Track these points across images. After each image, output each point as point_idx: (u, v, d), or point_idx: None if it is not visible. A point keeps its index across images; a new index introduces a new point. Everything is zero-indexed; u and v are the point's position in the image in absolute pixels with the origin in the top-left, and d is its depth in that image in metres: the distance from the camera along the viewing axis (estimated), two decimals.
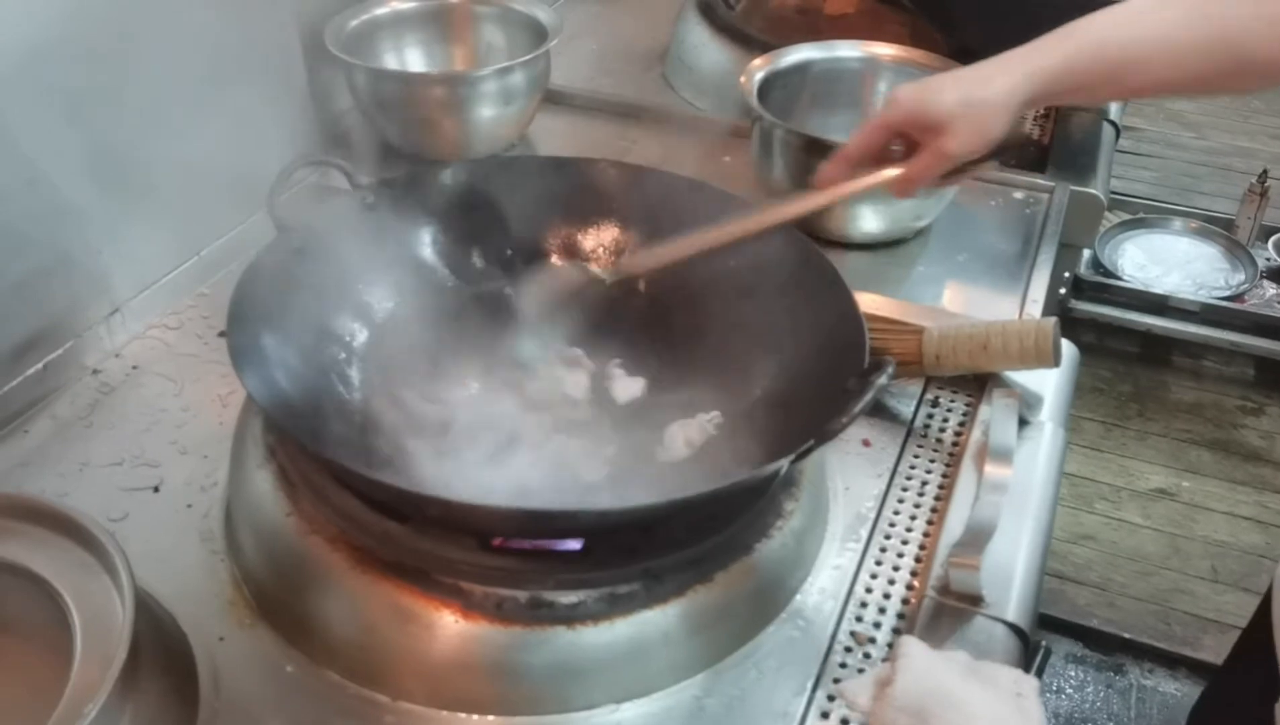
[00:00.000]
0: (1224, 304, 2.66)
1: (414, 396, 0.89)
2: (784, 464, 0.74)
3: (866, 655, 0.78)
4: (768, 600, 0.81)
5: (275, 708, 0.74)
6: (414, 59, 1.42)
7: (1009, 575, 0.83)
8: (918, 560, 0.86)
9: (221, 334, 0.78)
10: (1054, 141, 1.46)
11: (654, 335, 0.95)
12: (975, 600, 0.81)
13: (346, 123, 1.41)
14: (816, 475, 0.87)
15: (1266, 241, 2.84)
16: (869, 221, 1.20)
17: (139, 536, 0.83)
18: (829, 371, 0.80)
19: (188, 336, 1.07)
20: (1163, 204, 3.07)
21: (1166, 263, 2.82)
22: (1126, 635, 2.13)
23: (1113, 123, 1.51)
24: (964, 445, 0.95)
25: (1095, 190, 1.35)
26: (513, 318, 0.95)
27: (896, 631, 0.80)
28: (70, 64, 0.93)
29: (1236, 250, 2.83)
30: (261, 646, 0.78)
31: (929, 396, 1.01)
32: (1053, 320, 0.93)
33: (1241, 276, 2.76)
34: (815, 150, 1.17)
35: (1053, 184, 1.34)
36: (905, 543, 0.87)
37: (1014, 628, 0.80)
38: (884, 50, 1.32)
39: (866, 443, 0.96)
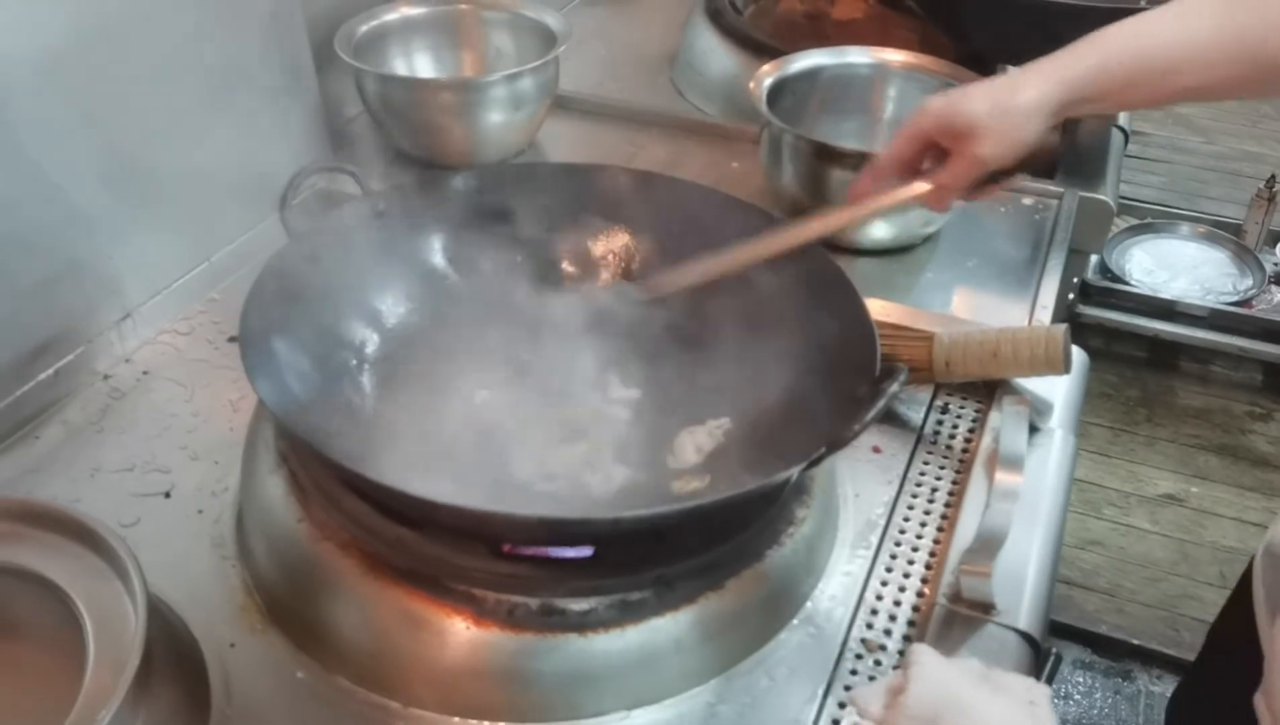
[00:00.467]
0: (1232, 309, 2.66)
1: (425, 402, 0.89)
2: (796, 471, 0.74)
3: (877, 663, 0.78)
4: (779, 607, 0.80)
5: (286, 714, 0.74)
6: (423, 64, 1.42)
7: (1020, 582, 0.83)
8: (928, 567, 0.86)
9: (232, 339, 0.78)
10: (1063, 147, 1.45)
11: (664, 342, 0.95)
12: (987, 608, 0.80)
13: (356, 128, 1.42)
14: (827, 482, 0.87)
15: (1275, 247, 2.84)
16: (878, 228, 1.20)
17: (150, 542, 0.83)
18: (840, 378, 0.80)
19: (198, 342, 1.07)
20: (1171, 209, 3.07)
21: (1174, 268, 2.82)
22: (1135, 641, 2.12)
23: (1121, 128, 1.51)
24: (974, 452, 0.95)
25: (1104, 196, 1.34)
26: (525, 323, 0.95)
27: (907, 639, 0.80)
28: (81, 72, 0.93)
29: (1245, 255, 2.82)
30: (273, 652, 0.78)
31: (939, 403, 1.01)
32: (1063, 327, 0.93)
33: (1250, 282, 2.75)
34: (825, 156, 1.17)
35: (1062, 190, 1.34)
36: (916, 550, 0.87)
37: (1026, 635, 0.80)
38: (893, 56, 1.32)
39: (877, 449, 0.96)
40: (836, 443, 0.73)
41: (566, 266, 1.03)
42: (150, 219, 1.03)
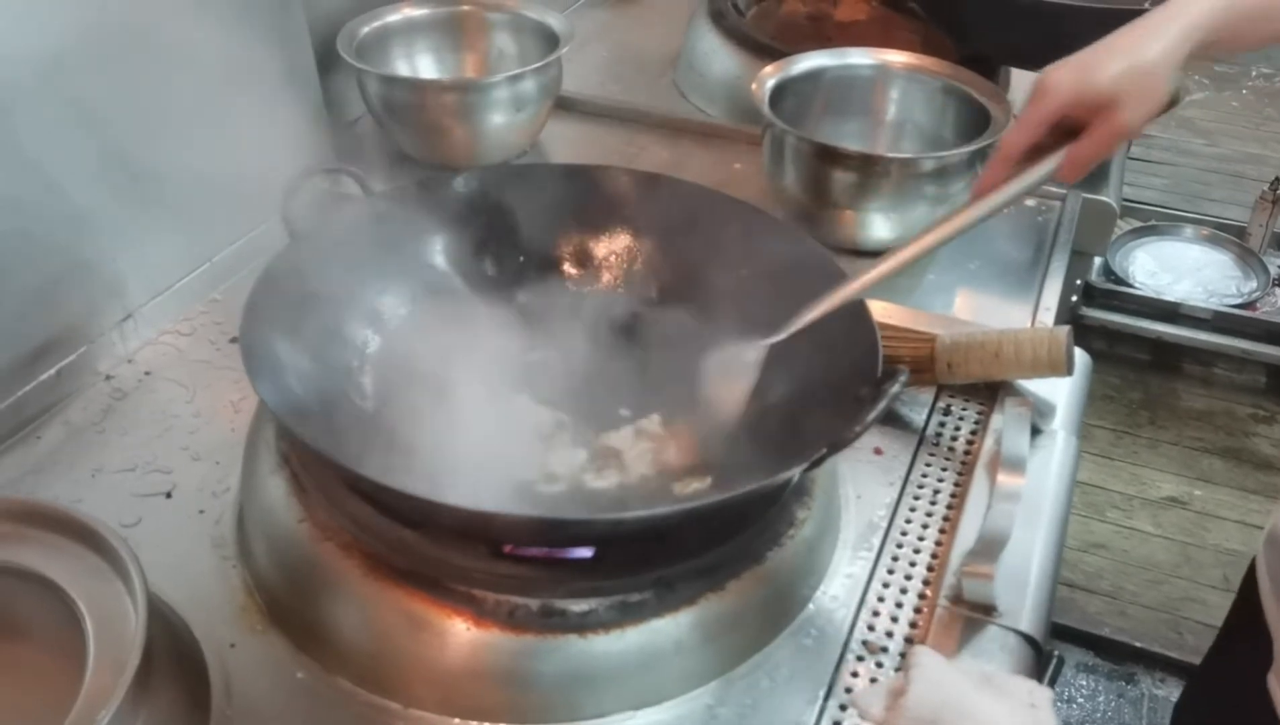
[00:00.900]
0: (1236, 311, 2.65)
1: (426, 403, 0.89)
2: (796, 472, 0.74)
3: (879, 664, 0.78)
4: (780, 609, 0.80)
5: (287, 714, 0.74)
6: (426, 66, 1.43)
7: (1022, 585, 0.83)
8: (930, 569, 0.85)
9: (234, 340, 0.78)
10: None
11: (666, 343, 0.95)
12: (988, 610, 0.80)
13: (359, 130, 1.42)
14: (828, 483, 0.87)
15: (1278, 249, 2.83)
16: (881, 229, 1.20)
17: (151, 542, 0.83)
18: (841, 379, 0.80)
19: (200, 342, 1.07)
20: (1174, 211, 3.06)
21: (1178, 270, 2.81)
22: (1138, 644, 2.12)
23: None
24: (976, 454, 0.95)
25: (1107, 198, 1.34)
26: (526, 324, 0.95)
27: (909, 641, 0.80)
28: (84, 73, 0.93)
29: (1248, 257, 2.82)
30: (273, 653, 0.78)
31: (941, 405, 1.01)
32: (1065, 329, 0.93)
33: (1253, 284, 2.75)
34: (827, 157, 1.17)
35: (1065, 192, 1.33)
36: (917, 551, 0.87)
37: (1027, 638, 0.79)
38: (895, 57, 1.32)
39: (878, 451, 0.96)
40: (837, 444, 0.72)
41: (569, 267, 1.03)
42: (152, 220, 1.03)
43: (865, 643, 0.80)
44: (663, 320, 0.97)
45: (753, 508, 0.78)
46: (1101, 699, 2.05)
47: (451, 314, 0.95)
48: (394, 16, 1.38)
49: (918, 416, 0.99)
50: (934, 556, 0.86)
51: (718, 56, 1.54)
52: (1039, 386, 0.97)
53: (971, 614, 0.80)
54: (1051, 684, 0.78)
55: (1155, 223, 2.95)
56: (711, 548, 0.76)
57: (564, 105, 1.46)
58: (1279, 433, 2.62)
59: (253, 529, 0.84)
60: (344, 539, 0.76)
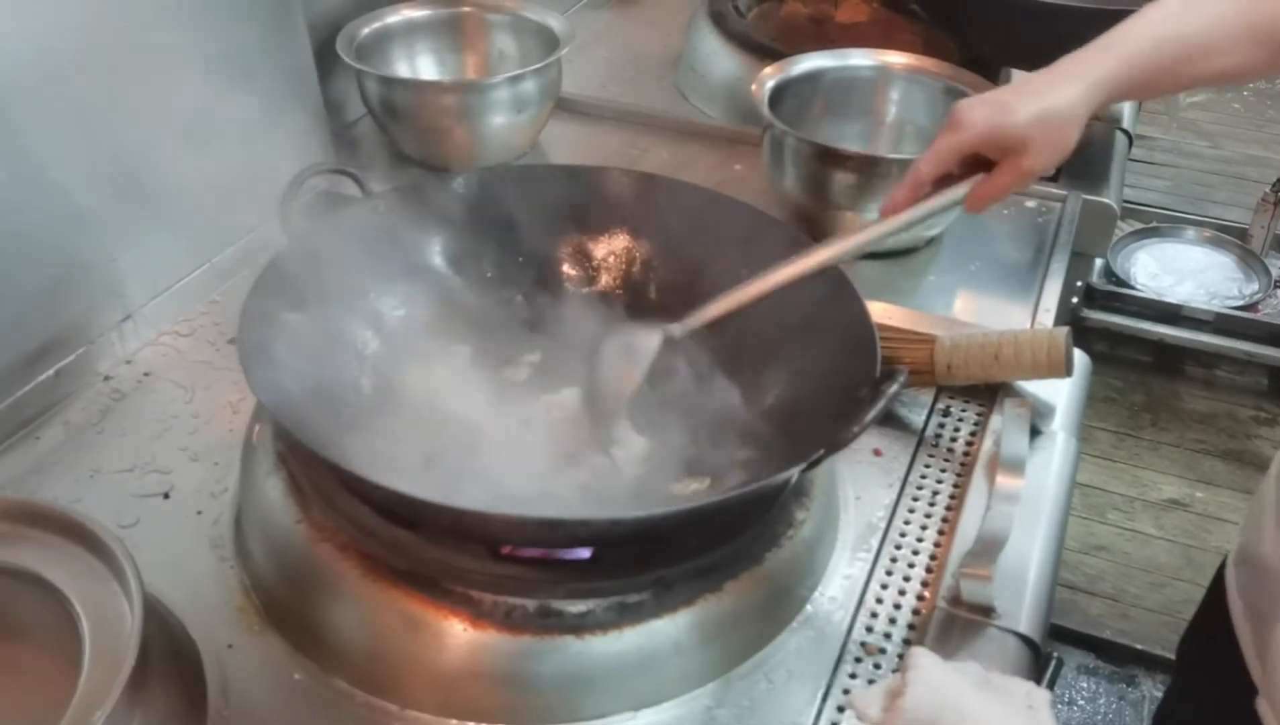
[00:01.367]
0: (1237, 313, 2.65)
1: (424, 404, 0.89)
2: (795, 473, 0.73)
3: (877, 666, 0.78)
4: (778, 610, 0.80)
5: (283, 715, 0.74)
6: (426, 67, 1.43)
7: (1021, 586, 0.83)
8: (929, 570, 0.85)
9: (233, 341, 0.78)
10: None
11: (666, 343, 0.95)
12: (987, 611, 0.80)
13: (358, 131, 1.42)
14: (827, 484, 0.87)
15: None
16: None
17: (149, 543, 0.83)
18: (841, 380, 0.80)
19: (199, 343, 1.07)
20: (1176, 213, 3.06)
21: (1179, 272, 2.81)
22: (1139, 647, 2.11)
23: (1125, 131, 1.51)
24: (975, 455, 0.95)
25: (1108, 199, 1.34)
26: (524, 325, 0.95)
27: (907, 642, 0.80)
28: (84, 73, 0.93)
29: (1250, 259, 2.82)
30: (270, 654, 0.78)
31: (940, 406, 1.01)
32: (1065, 330, 0.93)
33: (1255, 286, 2.74)
34: (827, 159, 1.17)
35: (1065, 193, 1.33)
36: (916, 553, 0.87)
37: (1026, 639, 0.79)
38: (896, 59, 1.32)
39: (878, 452, 0.96)
40: (836, 444, 0.72)
41: (568, 269, 1.03)
42: (152, 220, 1.03)
43: (863, 644, 0.80)
44: (662, 320, 0.97)
45: (751, 508, 0.78)
46: (1102, 701, 2.05)
47: (450, 315, 0.95)
48: (394, 18, 1.38)
49: (917, 417, 0.99)
50: (933, 558, 0.86)
51: (718, 58, 1.54)
52: (1039, 388, 0.97)
53: (970, 615, 0.80)
54: (1051, 686, 0.78)
55: (1156, 224, 2.95)
56: (710, 548, 0.76)
57: (564, 106, 1.46)
58: None
59: (250, 530, 0.83)
60: (341, 540, 0.76)
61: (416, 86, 1.34)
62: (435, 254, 0.99)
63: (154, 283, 1.07)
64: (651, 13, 1.87)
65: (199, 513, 0.88)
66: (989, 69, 1.35)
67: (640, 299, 0.99)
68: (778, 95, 1.25)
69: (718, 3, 1.61)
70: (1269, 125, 3.71)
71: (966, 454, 0.96)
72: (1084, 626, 2.15)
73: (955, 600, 0.81)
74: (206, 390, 1.01)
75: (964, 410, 1.00)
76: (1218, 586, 1.02)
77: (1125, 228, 2.90)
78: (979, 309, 1.17)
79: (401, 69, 1.39)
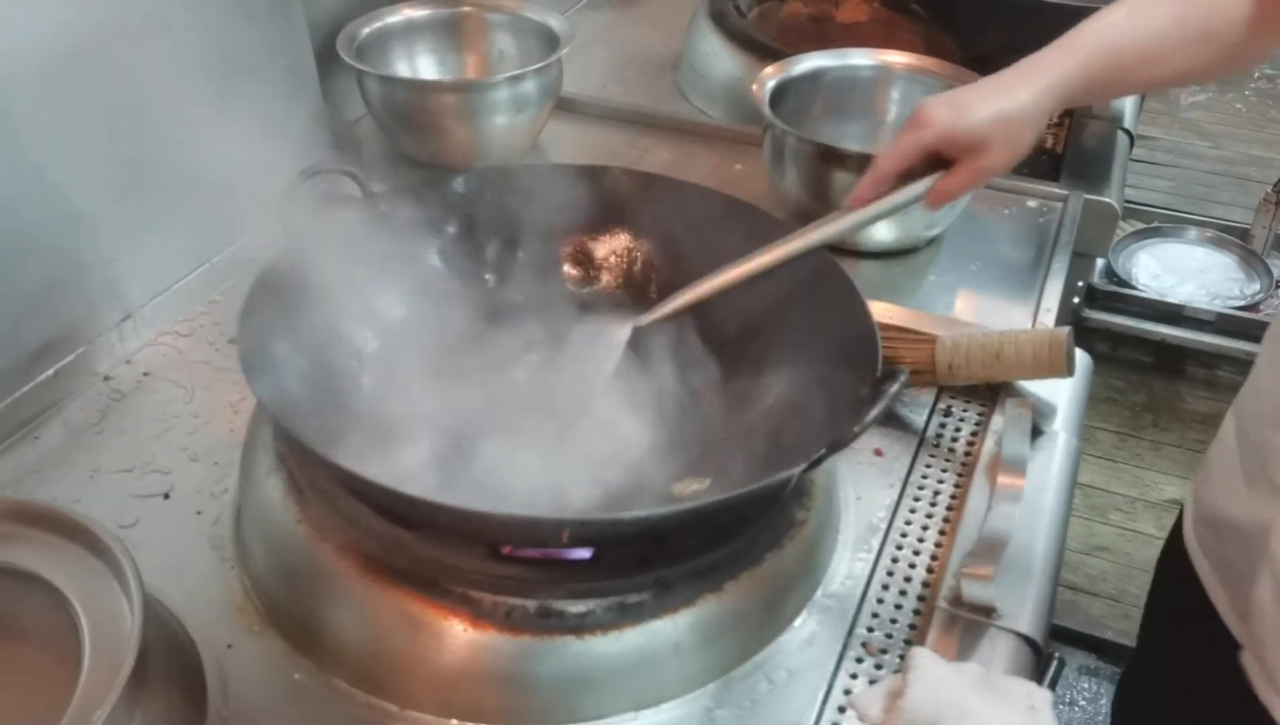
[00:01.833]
0: (1239, 314, 2.64)
1: (424, 404, 0.88)
2: (795, 473, 0.73)
3: (878, 666, 0.78)
4: (778, 610, 0.80)
5: (283, 715, 0.74)
6: (426, 66, 1.43)
7: (1022, 586, 0.83)
8: (930, 571, 0.85)
9: (233, 341, 0.78)
10: (1067, 150, 1.45)
11: (665, 343, 0.95)
12: (988, 611, 0.80)
13: (358, 130, 1.42)
14: (828, 485, 0.86)
15: None
16: (881, 230, 1.20)
17: (149, 543, 0.83)
18: (841, 380, 0.79)
19: (199, 343, 1.07)
20: (1178, 213, 3.06)
21: (1181, 272, 2.81)
22: None
23: (1127, 131, 1.50)
24: (976, 455, 0.95)
25: (1109, 199, 1.34)
26: (525, 325, 0.95)
27: (908, 643, 0.79)
28: (84, 72, 0.93)
29: (1251, 260, 2.81)
30: (270, 654, 0.78)
31: (941, 406, 1.00)
32: (1066, 330, 0.93)
33: (1257, 286, 2.74)
34: (828, 158, 1.17)
35: (1066, 193, 1.33)
36: (917, 553, 0.87)
37: (1027, 639, 0.79)
38: (897, 58, 1.31)
39: (879, 452, 0.95)
40: (836, 444, 0.72)
41: (569, 269, 1.03)
42: (151, 220, 1.03)
43: (864, 644, 0.79)
44: (662, 321, 0.96)
45: (752, 509, 0.78)
46: (1104, 702, 2.04)
47: (450, 315, 0.95)
48: (394, 17, 1.37)
49: (918, 418, 0.99)
50: (934, 558, 0.86)
51: (719, 57, 1.54)
52: (1040, 388, 0.97)
53: (971, 616, 0.80)
54: (1052, 686, 0.78)
55: (1158, 225, 2.95)
56: (710, 549, 0.75)
57: (565, 106, 1.46)
58: None
59: (250, 530, 0.83)
60: (341, 540, 0.76)
61: (417, 86, 1.34)
62: (435, 254, 0.98)
63: (154, 283, 1.06)
64: (652, 12, 1.87)
65: (199, 513, 0.88)
66: (989, 68, 1.34)
67: (641, 298, 0.99)
68: (778, 95, 1.25)
69: (718, 2, 1.61)
70: (1271, 125, 3.71)
71: (968, 454, 0.96)
72: (1086, 627, 2.15)
73: (956, 600, 0.81)
74: (206, 390, 1.01)
75: (965, 410, 1.00)
76: (1173, 553, 1.03)
77: (1127, 228, 2.89)
78: (980, 309, 1.17)
79: (402, 69, 1.39)
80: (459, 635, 0.72)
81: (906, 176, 0.91)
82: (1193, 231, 2.91)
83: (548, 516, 0.75)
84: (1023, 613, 0.81)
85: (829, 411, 0.77)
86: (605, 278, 1.02)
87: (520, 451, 0.85)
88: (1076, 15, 1.29)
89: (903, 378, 0.76)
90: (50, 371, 0.97)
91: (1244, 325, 2.63)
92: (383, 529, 0.75)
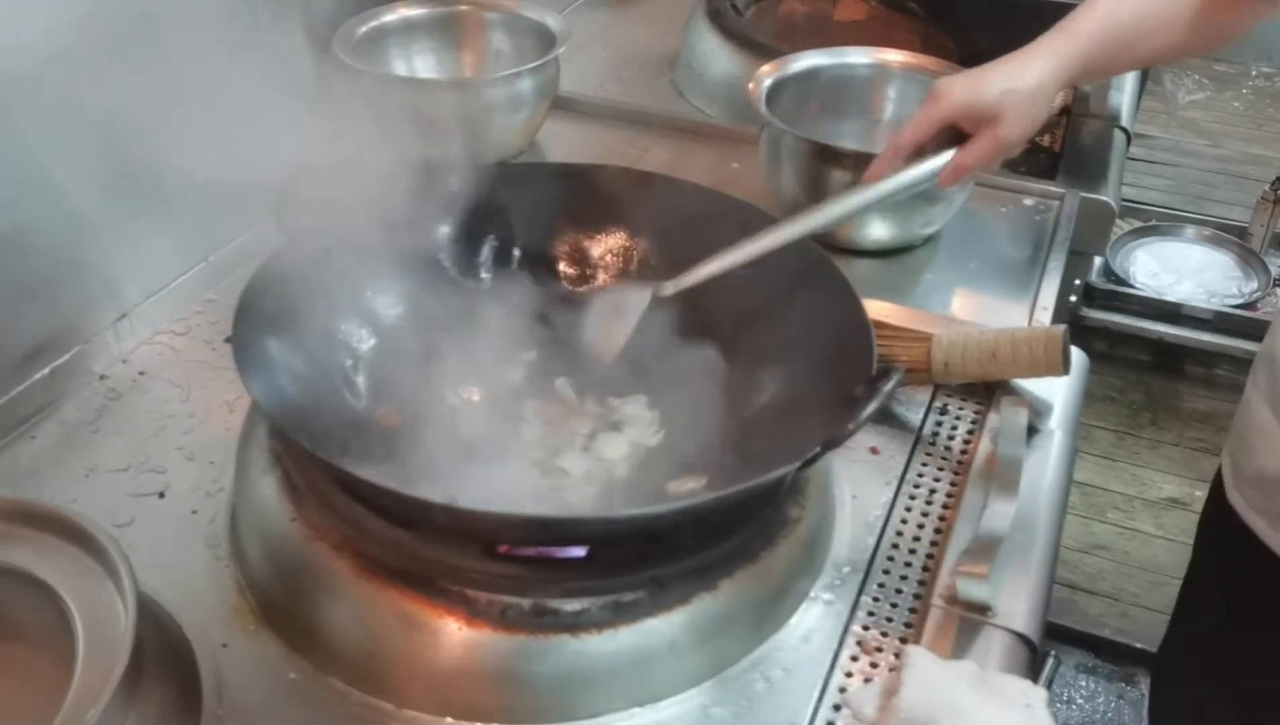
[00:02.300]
0: (1237, 312, 2.64)
1: (420, 403, 0.89)
2: (791, 471, 0.73)
3: (873, 665, 0.78)
4: (774, 608, 0.80)
5: (278, 715, 0.74)
6: (423, 65, 1.42)
7: (1017, 584, 0.82)
8: (925, 569, 0.85)
9: (228, 340, 0.78)
10: (1065, 148, 1.45)
11: (662, 342, 0.95)
12: (983, 610, 0.80)
13: (355, 129, 1.41)
14: (824, 483, 0.86)
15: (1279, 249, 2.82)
16: (878, 229, 1.20)
17: (144, 542, 0.83)
18: (836, 378, 0.79)
19: (195, 342, 1.07)
20: (1176, 211, 3.06)
21: (1179, 271, 2.81)
22: (1138, 645, 2.11)
23: (1123, 129, 1.50)
24: (972, 453, 0.95)
25: (1106, 197, 1.34)
26: (520, 324, 0.95)
27: (903, 641, 0.79)
28: (80, 70, 0.93)
29: (1250, 258, 2.81)
30: (265, 653, 0.77)
31: (937, 404, 1.00)
32: (1062, 328, 0.93)
33: (1255, 284, 2.74)
34: (824, 157, 1.17)
35: (1063, 191, 1.33)
36: (913, 551, 0.87)
37: (1022, 637, 0.79)
38: (894, 57, 1.31)
39: (874, 451, 0.95)
40: (831, 442, 0.72)
41: (565, 267, 1.03)
42: (148, 219, 1.03)
43: (859, 642, 0.79)
44: (658, 318, 0.96)
45: (747, 507, 0.78)
46: (1101, 700, 2.05)
47: (446, 313, 0.95)
48: (391, 16, 1.37)
49: (914, 416, 0.99)
50: (929, 556, 0.86)
51: (716, 56, 1.54)
52: (1036, 386, 0.97)
53: (966, 614, 0.80)
54: (1048, 684, 0.78)
55: (1156, 223, 2.94)
56: (706, 547, 0.75)
57: (562, 105, 1.46)
58: None
59: (245, 529, 0.83)
60: (336, 538, 0.76)
61: (414, 85, 1.34)
62: (431, 253, 0.98)
63: (149, 282, 1.06)
64: (649, 11, 1.87)
65: (194, 512, 0.88)
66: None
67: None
68: (775, 93, 1.25)
69: (716, 1, 1.61)
70: (1269, 124, 3.70)
71: (964, 452, 0.95)
72: (1083, 625, 2.15)
73: (952, 599, 0.81)
74: (202, 389, 1.01)
75: (961, 409, 1.00)
76: (1214, 523, 1.10)
77: (1125, 226, 2.89)
78: (976, 307, 1.17)
79: (398, 68, 1.39)
80: (454, 634, 0.72)
81: (920, 156, 0.97)
82: (1191, 230, 2.91)
83: (543, 515, 0.75)
84: (1018, 611, 0.80)
85: (824, 410, 0.77)
86: (602, 276, 1.02)
87: (516, 450, 0.86)
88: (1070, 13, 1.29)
89: (898, 376, 0.76)
90: (46, 370, 0.97)
91: (1242, 324, 2.63)
92: (378, 528, 0.74)
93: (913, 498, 0.91)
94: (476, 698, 0.73)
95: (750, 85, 1.24)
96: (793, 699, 0.75)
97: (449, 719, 0.73)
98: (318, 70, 1.24)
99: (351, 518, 0.76)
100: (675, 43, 1.66)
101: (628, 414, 0.91)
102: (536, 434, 0.88)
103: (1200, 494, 2.42)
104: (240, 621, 0.79)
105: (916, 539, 0.88)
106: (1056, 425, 0.98)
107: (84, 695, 0.62)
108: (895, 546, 0.87)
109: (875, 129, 1.33)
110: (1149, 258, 2.85)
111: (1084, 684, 2.07)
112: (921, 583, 0.84)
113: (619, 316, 0.93)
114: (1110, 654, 2.12)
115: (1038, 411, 0.96)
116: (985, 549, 0.81)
